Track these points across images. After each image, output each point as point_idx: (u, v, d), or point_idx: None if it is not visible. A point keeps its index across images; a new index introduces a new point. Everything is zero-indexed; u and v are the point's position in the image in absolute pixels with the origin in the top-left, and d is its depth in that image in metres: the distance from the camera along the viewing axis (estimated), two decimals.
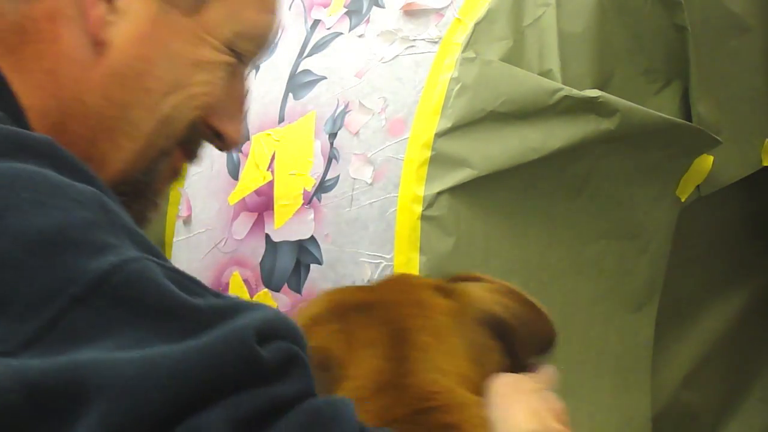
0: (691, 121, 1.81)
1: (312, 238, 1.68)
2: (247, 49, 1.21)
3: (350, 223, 1.65)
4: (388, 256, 1.57)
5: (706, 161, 1.84)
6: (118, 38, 1.13)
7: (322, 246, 1.67)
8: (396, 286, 1.24)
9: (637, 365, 1.84)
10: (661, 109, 1.77)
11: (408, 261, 1.58)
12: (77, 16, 1.12)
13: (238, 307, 0.90)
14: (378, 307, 1.18)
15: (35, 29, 1.11)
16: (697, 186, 1.86)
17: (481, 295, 1.24)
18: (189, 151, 1.26)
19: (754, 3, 1.92)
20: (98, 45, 1.12)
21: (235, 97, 1.24)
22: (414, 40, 1.70)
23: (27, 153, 0.95)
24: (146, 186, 1.20)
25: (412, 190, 1.61)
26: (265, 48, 1.25)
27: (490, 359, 1.22)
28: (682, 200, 1.84)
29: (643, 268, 1.81)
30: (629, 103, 1.70)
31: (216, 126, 1.23)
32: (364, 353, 1.13)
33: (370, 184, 1.65)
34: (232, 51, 1.20)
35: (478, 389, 1.16)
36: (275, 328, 0.90)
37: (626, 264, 1.79)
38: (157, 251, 0.94)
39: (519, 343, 1.25)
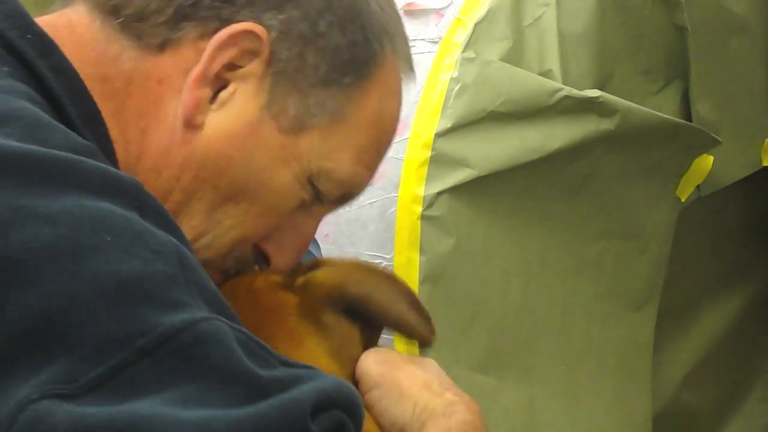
0: (691, 121, 1.81)
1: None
2: (328, 190, 1.18)
3: (350, 223, 1.65)
4: (388, 256, 1.57)
5: (706, 161, 1.84)
6: (211, 126, 1.11)
7: (322, 246, 1.67)
8: (247, 294, 1.18)
9: (637, 365, 1.84)
10: (661, 109, 1.77)
11: (408, 261, 1.58)
12: (182, 90, 1.10)
13: (300, 377, 0.90)
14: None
15: (143, 86, 1.10)
16: (697, 186, 1.86)
17: (325, 278, 1.18)
18: (225, 271, 1.21)
19: (754, 3, 1.92)
20: (189, 127, 1.10)
21: (299, 233, 1.21)
22: (414, 40, 1.69)
23: (115, 193, 0.94)
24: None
25: (412, 190, 1.61)
26: (349, 199, 1.22)
27: (351, 346, 1.18)
28: (682, 200, 1.84)
29: (643, 268, 1.81)
30: (629, 103, 1.70)
31: (266, 250, 1.20)
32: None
33: (370, 184, 1.65)
34: (311, 185, 1.17)
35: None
36: (332, 398, 0.90)
37: (626, 264, 1.79)
38: (230, 312, 0.94)
39: (381, 315, 1.20)
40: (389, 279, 1.22)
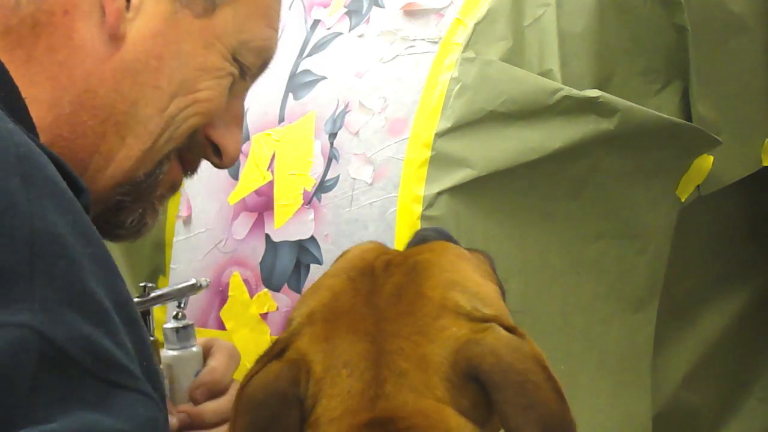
0: (691, 121, 1.81)
1: (312, 238, 1.68)
2: (250, 61, 1.22)
3: (350, 223, 1.65)
4: None
5: (706, 161, 1.84)
6: (132, 33, 1.14)
7: (322, 246, 1.67)
8: (416, 297, 1.14)
9: (637, 365, 1.84)
10: (661, 109, 1.77)
11: None
12: (93, 11, 1.13)
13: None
14: (377, 321, 1.13)
15: (49, 22, 1.12)
16: (697, 186, 1.86)
17: (490, 343, 1.10)
18: (188, 163, 1.26)
19: (754, 3, 1.92)
20: (114, 39, 1.13)
21: (234, 114, 1.25)
22: (414, 40, 1.70)
23: None
24: (148, 190, 1.20)
25: (412, 190, 1.61)
26: (266, 64, 1.25)
27: (477, 410, 1.10)
28: (682, 200, 1.84)
29: (643, 268, 1.81)
30: (629, 103, 1.70)
31: (215, 138, 1.24)
32: (342, 371, 1.10)
33: (370, 184, 1.65)
34: (236, 61, 1.21)
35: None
36: None
37: (626, 264, 1.79)
38: (92, 308, 0.92)
39: (508, 414, 1.09)
40: (549, 392, 1.13)
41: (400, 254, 1.21)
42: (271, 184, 1.73)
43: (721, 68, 1.87)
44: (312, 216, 1.68)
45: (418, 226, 1.60)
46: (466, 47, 1.65)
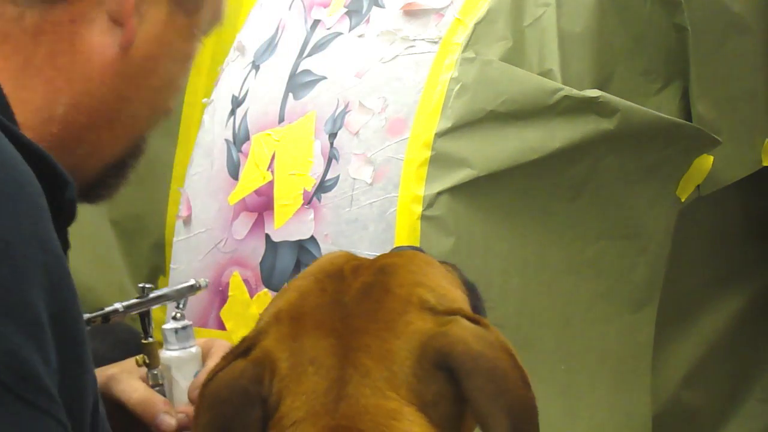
0: (691, 121, 1.81)
1: (312, 238, 1.68)
2: (210, 30, 1.27)
3: (350, 223, 1.65)
4: None
5: (706, 161, 1.84)
6: (140, 39, 1.17)
7: (322, 246, 1.67)
8: (382, 294, 1.15)
9: (637, 365, 1.84)
10: (661, 109, 1.77)
11: None
12: (98, 17, 1.15)
13: None
14: (343, 317, 1.14)
15: (54, 31, 1.14)
16: (697, 186, 1.86)
17: (458, 333, 1.11)
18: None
19: (754, 3, 1.92)
20: (125, 48, 1.16)
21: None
22: (414, 40, 1.70)
23: None
24: (131, 164, 1.22)
25: (412, 190, 1.61)
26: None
27: (439, 406, 1.11)
28: (682, 200, 1.84)
29: (642, 268, 1.81)
30: (629, 103, 1.70)
31: None
32: (308, 369, 1.11)
33: (370, 184, 1.65)
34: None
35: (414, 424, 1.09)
36: None
37: (626, 264, 1.79)
38: (27, 316, 0.93)
39: (478, 402, 1.10)
40: (516, 380, 1.13)
41: (369, 260, 1.22)
42: (271, 184, 1.73)
43: (721, 68, 1.87)
44: (312, 216, 1.68)
45: (418, 226, 1.60)
46: (466, 47, 1.65)
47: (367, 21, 1.75)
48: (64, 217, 1.03)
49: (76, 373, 0.99)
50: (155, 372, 1.44)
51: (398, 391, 1.10)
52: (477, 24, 1.67)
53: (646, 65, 1.78)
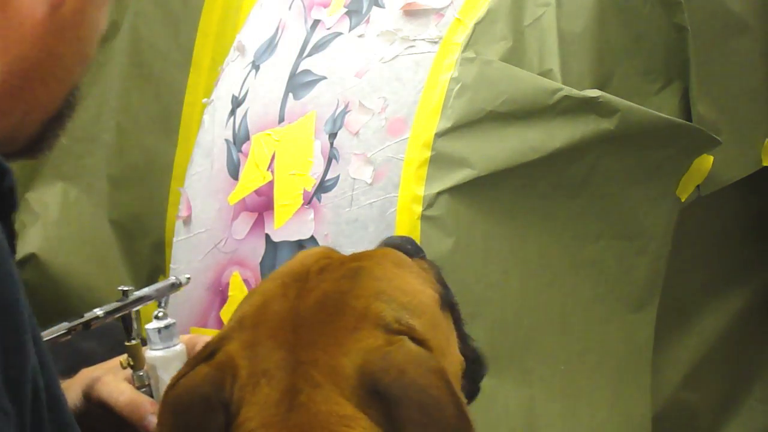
0: (691, 121, 1.81)
1: (312, 238, 1.68)
2: None
3: (350, 223, 1.65)
4: None
5: (706, 161, 1.84)
6: None
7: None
8: (338, 306, 1.15)
9: (637, 365, 1.84)
10: (661, 109, 1.77)
11: None
12: None
13: None
14: (296, 328, 1.13)
15: None
16: (697, 186, 1.86)
17: (397, 366, 1.09)
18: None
19: (754, 3, 1.92)
20: (54, 6, 1.15)
21: None
22: (414, 40, 1.70)
23: None
24: (68, 115, 1.23)
25: (412, 190, 1.61)
26: None
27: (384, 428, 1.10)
28: (682, 200, 1.84)
29: (643, 269, 1.81)
30: (629, 103, 1.70)
31: None
32: (261, 380, 1.11)
33: (370, 184, 1.65)
34: None
35: None
36: None
37: (626, 264, 1.79)
38: None
39: (412, 428, 1.08)
40: (452, 408, 1.10)
41: (339, 260, 1.21)
42: (271, 184, 1.73)
43: (721, 68, 1.87)
44: (312, 216, 1.68)
45: (418, 226, 1.60)
46: (466, 47, 1.65)
47: (367, 21, 1.75)
48: (4, 205, 1.03)
49: (16, 362, 0.99)
50: (141, 374, 1.44)
51: (350, 400, 1.10)
52: (477, 24, 1.67)
53: (646, 65, 1.78)
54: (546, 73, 1.67)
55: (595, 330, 1.77)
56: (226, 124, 1.83)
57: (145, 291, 1.49)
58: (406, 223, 1.61)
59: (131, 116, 2.11)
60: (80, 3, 1.17)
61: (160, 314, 1.47)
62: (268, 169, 1.74)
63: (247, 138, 1.79)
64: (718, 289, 2.14)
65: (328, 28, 1.78)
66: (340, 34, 1.77)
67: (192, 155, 1.88)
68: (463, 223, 1.61)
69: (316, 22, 1.80)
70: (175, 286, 1.51)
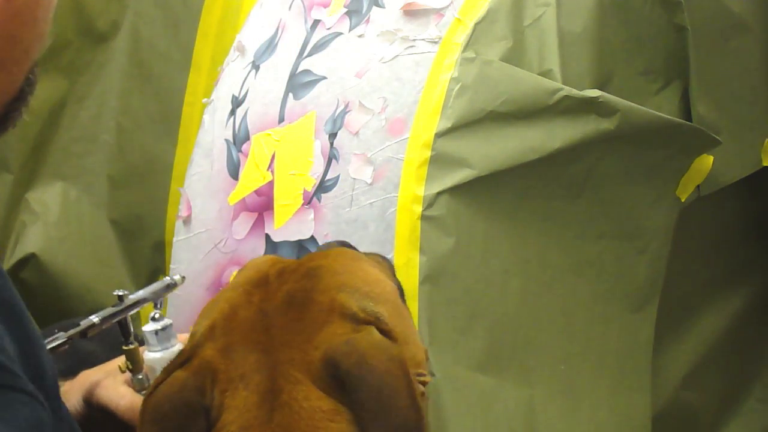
0: (691, 121, 1.81)
1: (312, 238, 1.68)
2: None
3: (350, 223, 1.65)
4: (388, 257, 1.57)
5: (706, 161, 1.84)
6: None
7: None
8: (305, 303, 1.17)
9: (637, 365, 1.84)
10: (661, 109, 1.77)
11: (408, 261, 1.58)
12: None
13: None
14: (267, 330, 1.15)
15: None
16: (697, 186, 1.86)
17: (358, 354, 1.12)
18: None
19: (754, 3, 1.92)
20: None
21: None
22: (414, 40, 1.70)
23: None
24: (29, 92, 1.23)
25: (412, 190, 1.61)
26: None
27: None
28: (682, 200, 1.84)
29: (642, 269, 1.81)
30: (629, 103, 1.70)
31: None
32: (239, 384, 1.12)
33: (370, 184, 1.65)
34: None
35: None
36: None
37: (626, 264, 1.79)
38: None
39: (364, 414, 1.11)
40: (406, 398, 1.11)
41: (294, 263, 1.22)
42: (271, 184, 1.73)
43: (721, 68, 1.87)
44: (312, 216, 1.68)
45: (418, 226, 1.60)
46: (466, 47, 1.65)
47: (367, 21, 1.75)
48: None
49: (32, 352, 0.99)
50: (140, 377, 1.44)
51: (330, 395, 1.10)
52: (477, 24, 1.67)
53: (646, 65, 1.78)
54: (546, 73, 1.68)
55: (595, 330, 1.77)
56: (226, 124, 1.83)
57: (141, 294, 1.49)
58: (406, 223, 1.61)
59: (131, 116, 2.11)
60: None
61: (157, 315, 1.47)
62: (268, 169, 1.74)
63: (247, 138, 1.79)
64: (718, 289, 2.14)
65: (328, 28, 1.78)
66: (340, 34, 1.77)
67: (192, 155, 1.88)
68: (463, 223, 1.61)
69: (316, 22, 1.80)
70: (170, 287, 1.51)
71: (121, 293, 1.46)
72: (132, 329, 1.46)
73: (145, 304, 1.50)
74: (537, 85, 1.65)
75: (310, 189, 1.69)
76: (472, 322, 1.62)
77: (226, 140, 1.82)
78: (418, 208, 1.60)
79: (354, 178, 1.66)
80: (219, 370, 1.13)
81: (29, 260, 2.08)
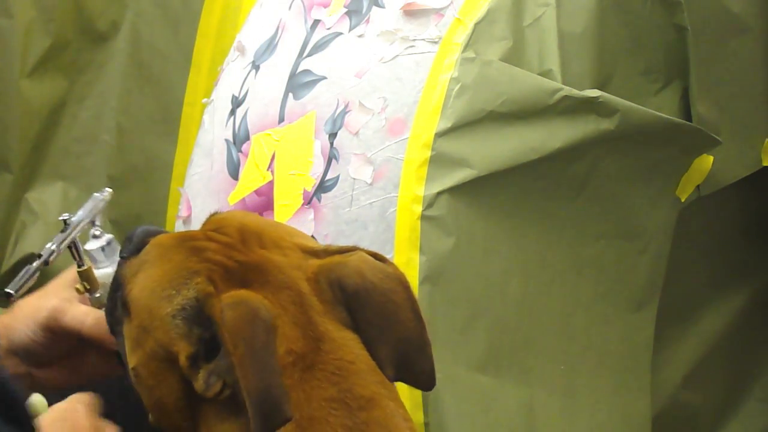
0: (691, 121, 1.81)
1: (312, 238, 1.68)
2: None
3: (350, 223, 1.65)
4: (388, 256, 1.57)
5: (706, 161, 1.84)
6: None
7: None
8: (277, 243, 1.20)
9: (637, 365, 1.84)
10: (661, 109, 1.77)
11: (408, 261, 1.58)
12: None
13: None
14: (271, 270, 1.17)
15: None
16: (697, 186, 1.86)
17: (354, 266, 1.17)
18: None
19: (754, 3, 1.92)
20: None
21: None
22: (414, 40, 1.70)
23: None
24: None
25: (412, 190, 1.61)
26: None
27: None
28: (682, 200, 1.84)
29: (643, 268, 1.81)
30: (629, 103, 1.70)
31: None
32: (279, 319, 1.13)
33: (370, 184, 1.65)
34: None
35: None
36: None
37: (626, 264, 1.79)
38: None
39: (366, 332, 1.16)
40: (408, 312, 1.18)
41: (205, 236, 1.22)
42: (271, 184, 1.73)
43: (721, 68, 1.87)
44: (312, 216, 1.68)
45: (418, 226, 1.60)
46: (466, 47, 1.65)
47: (367, 21, 1.75)
48: None
49: None
50: (97, 295, 1.44)
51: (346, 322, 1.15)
52: (477, 24, 1.67)
53: (646, 65, 1.78)
54: (546, 73, 1.67)
55: (595, 330, 1.77)
56: (226, 124, 1.83)
57: (80, 214, 1.49)
58: (406, 223, 1.61)
59: (131, 116, 2.11)
60: None
61: (98, 233, 1.47)
62: (268, 169, 1.74)
63: (247, 138, 1.79)
64: (719, 288, 2.14)
65: (328, 28, 1.78)
66: (340, 34, 1.77)
67: (192, 155, 1.88)
68: (463, 223, 1.61)
69: (316, 22, 1.80)
70: (102, 200, 1.51)
71: (65, 217, 1.47)
72: (81, 248, 1.46)
73: (86, 224, 1.50)
74: (537, 85, 1.65)
75: (310, 189, 1.69)
76: (472, 322, 1.62)
77: (226, 140, 1.82)
78: (418, 208, 1.60)
79: (354, 178, 1.66)
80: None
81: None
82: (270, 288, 1.14)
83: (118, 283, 1.25)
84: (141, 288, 1.19)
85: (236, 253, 1.17)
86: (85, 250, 1.46)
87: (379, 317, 1.14)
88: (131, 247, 1.25)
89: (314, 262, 1.18)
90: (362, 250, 1.20)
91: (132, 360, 1.18)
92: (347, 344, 1.13)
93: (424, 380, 1.18)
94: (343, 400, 1.09)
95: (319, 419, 1.08)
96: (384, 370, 1.14)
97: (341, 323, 1.15)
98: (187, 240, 1.21)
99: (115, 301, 1.25)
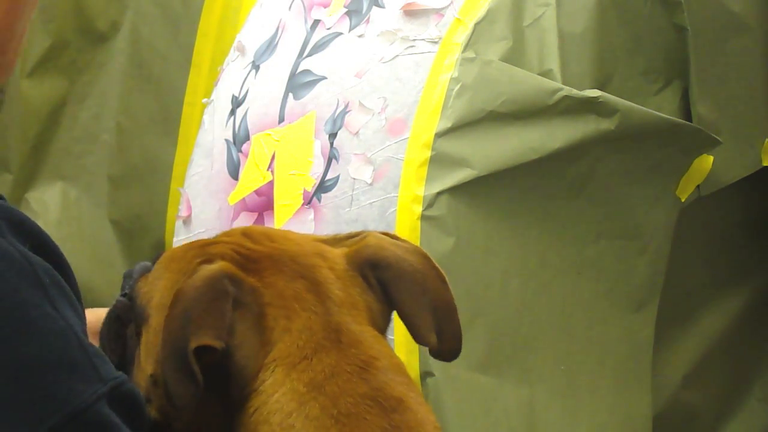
0: (691, 121, 1.81)
1: None
2: None
3: (350, 223, 1.65)
4: None
5: (706, 161, 1.84)
6: None
7: None
8: (286, 237, 1.22)
9: (637, 365, 1.84)
10: (661, 109, 1.77)
11: None
12: None
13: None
14: (285, 260, 1.18)
15: None
16: (697, 186, 1.86)
17: (372, 242, 1.21)
18: None
19: (754, 3, 1.92)
20: None
21: None
22: (414, 40, 1.70)
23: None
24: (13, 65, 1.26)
25: (412, 190, 1.61)
26: None
27: (374, 314, 1.20)
28: (682, 200, 1.84)
29: (643, 268, 1.81)
30: (629, 103, 1.70)
31: None
32: (294, 307, 1.14)
33: (370, 184, 1.65)
34: None
35: None
36: None
37: (626, 264, 1.79)
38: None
39: (397, 301, 1.19)
40: (435, 279, 1.20)
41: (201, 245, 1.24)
42: (271, 184, 1.73)
43: (721, 68, 1.87)
44: (312, 216, 1.68)
45: (418, 226, 1.60)
46: (466, 47, 1.65)
47: (367, 21, 1.75)
48: None
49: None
50: None
51: (362, 315, 1.17)
52: (477, 24, 1.67)
53: (646, 65, 1.78)
54: (546, 73, 1.68)
55: (595, 330, 1.77)
56: (226, 124, 1.83)
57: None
58: (406, 223, 1.61)
59: (131, 116, 2.11)
60: None
61: None
62: (268, 169, 1.74)
63: (247, 138, 1.79)
64: (719, 288, 2.14)
65: (328, 28, 1.78)
66: (340, 34, 1.77)
67: (192, 155, 1.88)
68: (463, 223, 1.61)
69: (316, 22, 1.80)
70: None
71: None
72: None
73: None
74: (537, 85, 1.65)
75: (310, 189, 1.69)
76: (472, 322, 1.62)
77: (226, 140, 1.82)
78: (418, 208, 1.60)
79: (354, 178, 1.66)
80: (257, 286, 1.14)
81: None
82: (283, 277, 1.15)
83: (126, 305, 1.27)
84: (160, 289, 1.20)
85: (246, 248, 1.18)
86: None
87: (413, 286, 1.18)
88: (132, 283, 1.26)
89: (339, 251, 1.19)
90: (370, 232, 1.22)
91: (149, 366, 1.19)
92: (367, 339, 1.14)
93: (454, 346, 1.20)
94: (376, 399, 1.10)
95: (357, 416, 1.09)
96: (427, 338, 1.18)
97: (364, 317, 1.16)
98: (196, 245, 1.23)
99: (113, 327, 1.28)
